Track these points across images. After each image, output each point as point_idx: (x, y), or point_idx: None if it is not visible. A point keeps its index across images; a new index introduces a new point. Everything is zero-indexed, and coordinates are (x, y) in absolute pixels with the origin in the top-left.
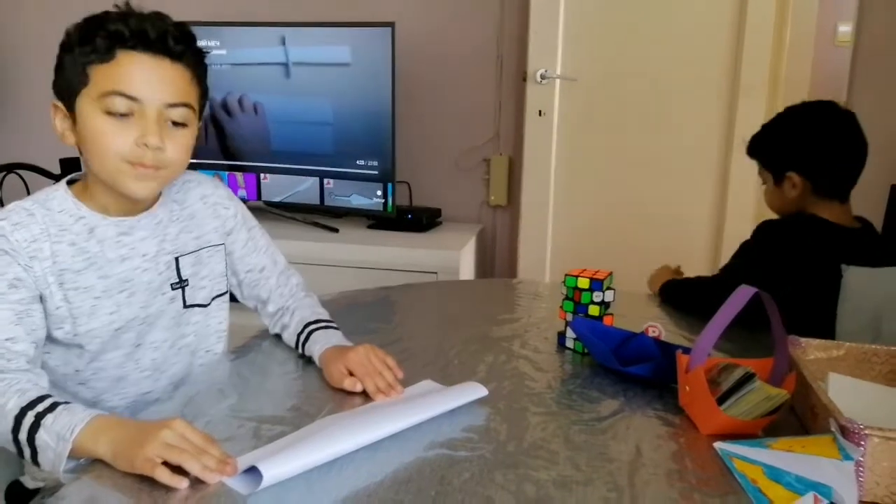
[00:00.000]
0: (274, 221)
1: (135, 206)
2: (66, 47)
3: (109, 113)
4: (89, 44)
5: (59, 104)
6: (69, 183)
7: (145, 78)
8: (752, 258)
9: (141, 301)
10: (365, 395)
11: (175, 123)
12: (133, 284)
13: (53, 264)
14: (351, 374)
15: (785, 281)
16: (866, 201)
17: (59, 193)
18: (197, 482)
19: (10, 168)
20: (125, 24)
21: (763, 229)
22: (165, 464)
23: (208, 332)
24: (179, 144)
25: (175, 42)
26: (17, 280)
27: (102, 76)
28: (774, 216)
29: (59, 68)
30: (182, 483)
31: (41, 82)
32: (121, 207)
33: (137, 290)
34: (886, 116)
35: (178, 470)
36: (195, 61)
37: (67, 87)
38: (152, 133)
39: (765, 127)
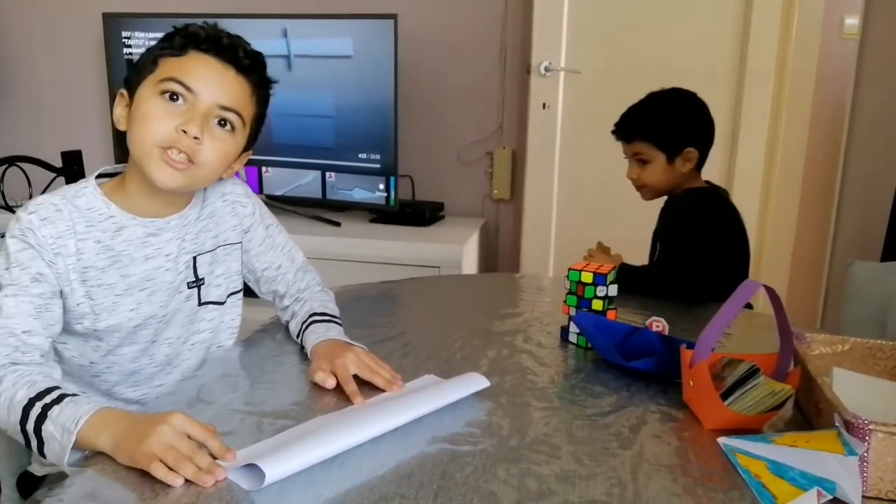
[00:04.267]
0: (276, 215)
1: (167, 207)
2: (147, 49)
3: (162, 94)
4: (167, 41)
5: (125, 92)
6: (99, 177)
7: (207, 77)
8: (702, 233)
9: (160, 300)
10: (344, 394)
11: (221, 124)
12: (154, 283)
13: (78, 261)
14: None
15: (726, 246)
16: (874, 193)
17: (89, 191)
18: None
19: (12, 161)
20: (203, 30)
21: (692, 204)
22: None
23: (222, 328)
24: (218, 145)
25: (245, 56)
26: (39, 275)
27: (169, 66)
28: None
29: (135, 64)
30: (177, 481)
31: (43, 76)
32: (154, 209)
33: (158, 289)
34: (893, 111)
35: None
36: (260, 82)
37: (136, 76)
38: (195, 123)
39: (646, 110)
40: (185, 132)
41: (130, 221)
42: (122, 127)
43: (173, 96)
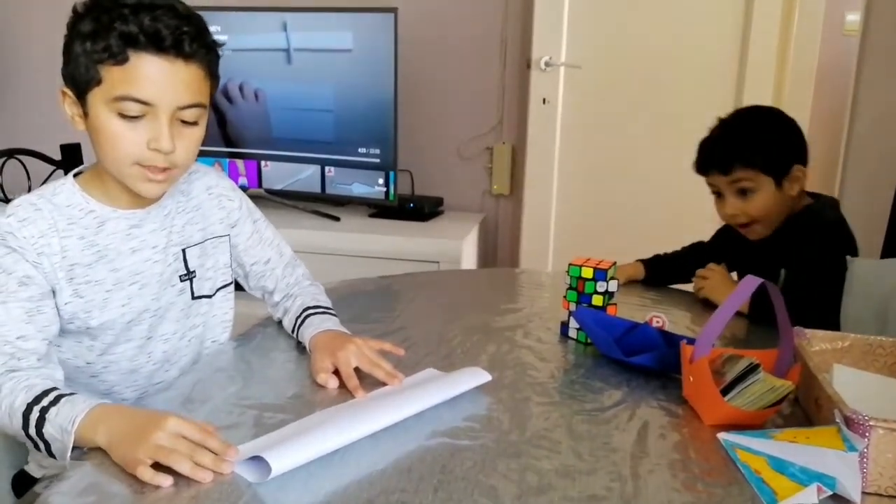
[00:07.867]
0: (275, 209)
1: (145, 198)
2: (75, 34)
3: (122, 115)
4: (101, 41)
5: (68, 91)
6: (76, 175)
7: (159, 82)
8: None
9: (152, 293)
10: (344, 386)
11: (185, 122)
12: (144, 276)
13: (63, 259)
14: (336, 371)
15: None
16: (874, 189)
17: (67, 187)
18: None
19: (11, 153)
20: (138, 24)
21: (837, 233)
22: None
23: (214, 323)
24: (190, 143)
25: (190, 42)
26: (26, 277)
27: (116, 78)
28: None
29: (69, 56)
30: (166, 481)
31: (42, 67)
32: (132, 200)
33: (148, 282)
34: (894, 108)
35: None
36: (209, 57)
37: (78, 80)
38: (164, 137)
39: (739, 132)
40: (158, 150)
41: (111, 214)
42: (79, 128)
43: (133, 116)
